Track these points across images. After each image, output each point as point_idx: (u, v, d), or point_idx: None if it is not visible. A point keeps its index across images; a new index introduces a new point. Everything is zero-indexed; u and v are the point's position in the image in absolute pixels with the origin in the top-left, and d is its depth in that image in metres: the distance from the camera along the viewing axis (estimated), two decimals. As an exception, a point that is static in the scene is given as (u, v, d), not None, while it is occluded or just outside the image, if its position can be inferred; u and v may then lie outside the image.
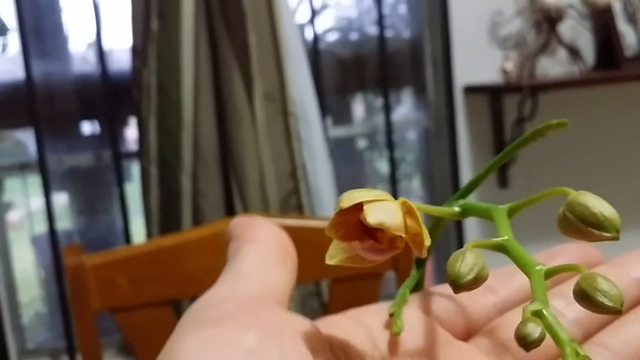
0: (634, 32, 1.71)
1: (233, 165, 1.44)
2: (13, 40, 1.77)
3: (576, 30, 1.74)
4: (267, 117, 1.43)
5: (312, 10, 1.72)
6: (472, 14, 1.74)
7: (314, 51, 1.71)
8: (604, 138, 1.86)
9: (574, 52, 1.72)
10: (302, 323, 0.22)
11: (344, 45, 1.96)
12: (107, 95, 1.63)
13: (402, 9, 1.98)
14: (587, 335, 0.25)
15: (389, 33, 1.89)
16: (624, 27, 1.70)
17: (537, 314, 0.18)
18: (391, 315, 0.24)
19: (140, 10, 1.42)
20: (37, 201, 1.73)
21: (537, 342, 0.18)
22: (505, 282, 0.27)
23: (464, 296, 0.27)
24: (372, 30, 1.90)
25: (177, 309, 0.91)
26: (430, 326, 0.26)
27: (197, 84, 1.42)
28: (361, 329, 0.24)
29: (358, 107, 2.05)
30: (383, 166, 1.97)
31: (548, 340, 0.27)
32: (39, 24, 1.72)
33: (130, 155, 1.73)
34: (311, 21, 1.73)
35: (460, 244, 1.77)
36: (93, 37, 1.67)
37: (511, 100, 1.69)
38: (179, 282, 0.82)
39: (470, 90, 1.76)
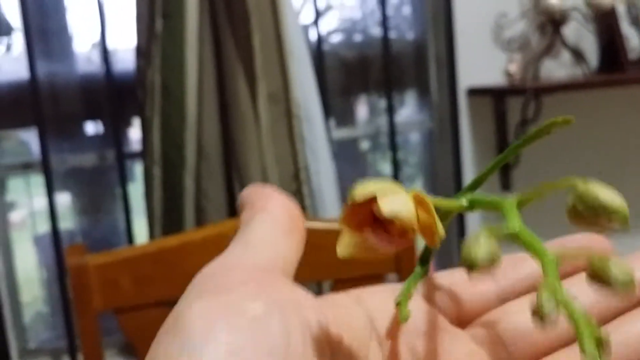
0: (637, 35, 1.71)
1: (236, 166, 1.44)
2: (17, 40, 1.77)
3: (580, 32, 1.74)
4: (270, 118, 1.43)
5: (316, 12, 1.72)
6: (476, 16, 1.74)
7: (318, 52, 1.71)
8: (608, 141, 1.85)
9: (577, 55, 1.71)
10: (305, 296, 0.22)
11: (347, 47, 1.96)
12: (111, 95, 1.63)
13: (406, 10, 1.98)
14: None
15: (392, 34, 1.89)
16: (628, 30, 1.70)
17: (552, 293, 0.18)
18: (398, 304, 0.24)
19: (145, 11, 1.42)
20: (39, 201, 1.73)
21: (552, 316, 0.18)
22: (508, 271, 0.28)
23: (464, 284, 0.27)
24: (376, 31, 1.90)
25: (179, 309, 0.91)
26: (428, 311, 0.26)
27: (201, 85, 1.42)
28: (361, 309, 0.25)
29: (361, 109, 2.05)
30: (386, 168, 1.97)
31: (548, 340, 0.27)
32: (43, 24, 1.72)
33: (133, 156, 1.73)
34: (315, 22, 1.73)
35: (461, 241, 1.76)
36: (97, 37, 1.68)
37: (515, 102, 1.69)
38: (181, 282, 0.81)
39: (474, 92, 1.76)
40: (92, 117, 1.83)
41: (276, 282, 0.22)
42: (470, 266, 0.19)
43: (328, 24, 1.94)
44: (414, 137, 2.01)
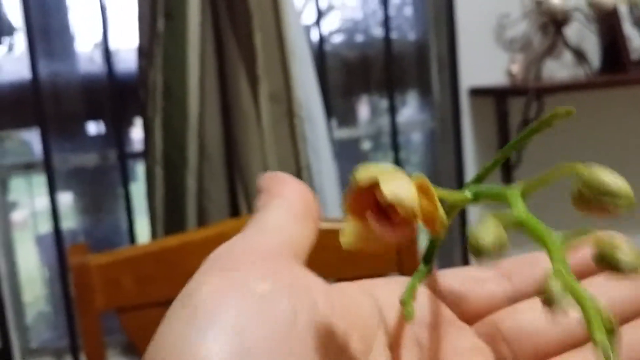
0: (640, 35, 1.71)
1: (238, 166, 1.44)
2: (19, 40, 1.78)
3: (582, 33, 1.74)
4: (272, 118, 1.44)
5: (318, 12, 1.72)
6: (478, 16, 1.74)
7: (320, 52, 1.71)
8: (610, 141, 1.85)
9: (579, 55, 1.71)
10: (315, 281, 0.23)
11: (349, 47, 1.96)
12: (113, 95, 1.64)
13: (408, 10, 1.98)
14: None
15: (394, 35, 1.89)
16: (630, 30, 1.70)
17: (558, 275, 0.18)
18: (402, 302, 0.24)
19: (147, 11, 1.42)
20: (41, 201, 1.73)
21: (559, 300, 0.17)
22: (522, 271, 0.28)
23: (475, 282, 0.27)
24: (378, 32, 1.90)
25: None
26: (436, 304, 0.26)
27: (202, 85, 1.43)
28: (370, 299, 0.25)
29: (363, 109, 2.05)
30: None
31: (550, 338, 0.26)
32: (45, 24, 1.73)
33: (135, 155, 1.73)
34: (317, 23, 1.73)
35: (463, 234, 1.76)
36: (99, 37, 1.68)
37: (517, 102, 1.69)
38: (183, 282, 0.82)
39: (476, 93, 1.76)
40: (94, 117, 1.84)
41: (287, 265, 0.22)
42: (478, 252, 0.19)
43: (330, 24, 1.94)
44: (416, 137, 2.01)
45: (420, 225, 0.22)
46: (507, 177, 1.74)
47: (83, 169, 1.78)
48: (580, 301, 0.18)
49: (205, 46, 1.43)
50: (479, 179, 0.25)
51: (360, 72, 1.94)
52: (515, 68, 1.70)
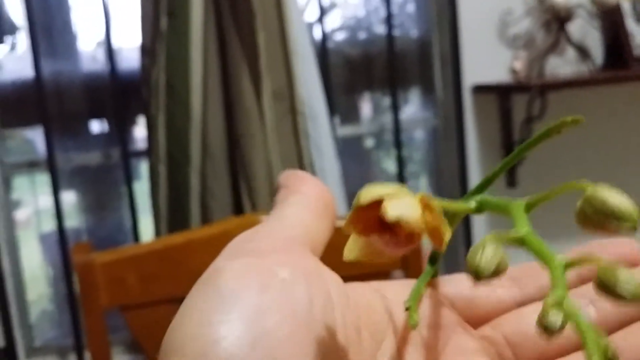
0: (643, 31, 1.70)
1: (241, 164, 1.44)
2: (22, 38, 1.78)
3: (585, 29, 1.73)
4: (275, 115, 1.44)
5: (320, 10, 1.72)
6: (481, 13, 1.74)
7: (322, 50, 1.71)
8: (613, 137, 1.85)
9: (583, 52, 1.71)
10: (329, 274, 0.23)
11: (352, 45, 1.96)
12: (116, 93, 1.64)
13: (410, 7, 1.97)
14: None
15: (397, 32, 1.89)
16: (632, 26, 1.69)
17: (558, 303, 0.18)
18: (407, 309, 0.24)
19: (150, 9, 1.42)
20: (45, 199, 1.73)
21: (559, 330, 0.18)
22: (533, 277, 0.28)
23: (485, 287, 0.27)
24: (380, 29, 1.90)
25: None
26: (443, 307, 0.27)
27: (205, 83, 1.43)
28: (381, 299, 0.26)
29: (366, 106, 2.05)
30: (391, 165, 1.97)
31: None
32: (48, 22, 1.73)
33: (138, 154, 1.74)
34: (320, 20, 1.73)
35: (467, 242, 1.77)
36: (102, 36, 1.68)
37: (520, 99, 1.68)
38: (187, 280, 0.82)
39: (479, 90, 1.76)
40: (97, 115, 1.84)
41: (304, 257, 0.23)
42: (476, 275, 0.19)
43: (332, 22, 1.94)
44: (419, 135, 2.01)
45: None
46: (511, 173, 1.74)
47: (86, 168, 1.78)
48: (580, 330, 0.18)
49: (208, 44, 1.43)
50: (486, 184, 0.25)
51: (362, 69, 1.93)
52: (518, 65, 1.70)
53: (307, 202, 0.25)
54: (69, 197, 1.81)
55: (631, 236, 0.20)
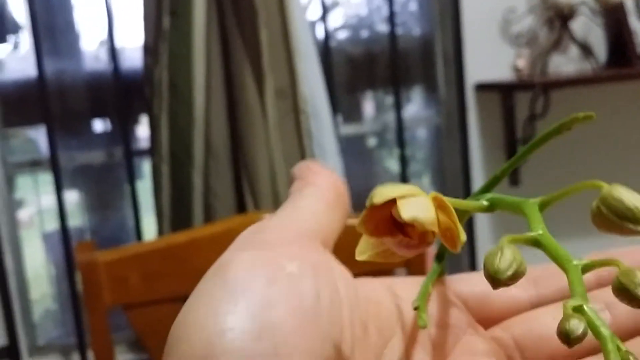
0: (646, 29, 1.70)
1: (244, 163, 1.44)
2: (25, 38, 1.78)
3: (588, 27, 1.73)
4: (278, 114, 1.43)
5: (323, 8, 1.72)
6: (483, 11, 1.74)
7: (325, 48, 1.70)
8: (617, 135, 1.85)
9: (586, 50, 1.71)
10: (338, 268, 0.23)
11: (354, 43, 1.96)
12: (119, 93, 1.64)
13: (413, 6, 1.97)
14: None
15: (399, 30, 1.89)
16: (636, 24, 1.69)
17: (578, 310, 0.18)
18: (416, 308, 0.24)
19: (152, 8, 1.42)
20: (48, 198, 1.73)
21: (580, 338, 0.17)
22: (550, 278, 0.28)
23: None
24: (383, 27, 1.90)
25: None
26: (454, 307, 0.27)
27: (208, 82, 1.42)
28: (391, 295, 0.26)
29: (368, 105, 2.05)
30: (393, 164, 1.97)
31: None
32: (50, 21, 1.73)
33: (141, 153, 1.74)
34: (322, 18, 1.73)
35: (470, 241, 1.76)
36: (105, 35, 1.68)
37: (523, 97, 1.68)
38: (190, 278, 0.82)
39: (482, 88, 1.75)
40: (100, 114, 1.84)
41: (314, 250, 0.23)
42: (494, 280, 0.19)
43: (334, 20, 1.94)
44: (422, 133, 2.01)
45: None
46: (514, 171, 1.73)
47: (89, 167, 1.78)
48: (600, 339, 0.18)
49: (210, 43, 1.43)
50: (495, 181, 0.25)
51: (365, 68, 1.93)
52: (521, 63, 1.69)
53: (320, 195, 0.25)
54: (71, 196, 1.82)
55: None
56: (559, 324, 0.18)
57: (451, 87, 1.81)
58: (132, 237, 1.69)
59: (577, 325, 0.17)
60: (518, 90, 1.71)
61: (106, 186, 1.84)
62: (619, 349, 0.17)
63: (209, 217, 1.44)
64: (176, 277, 0.80)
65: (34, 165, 1.74)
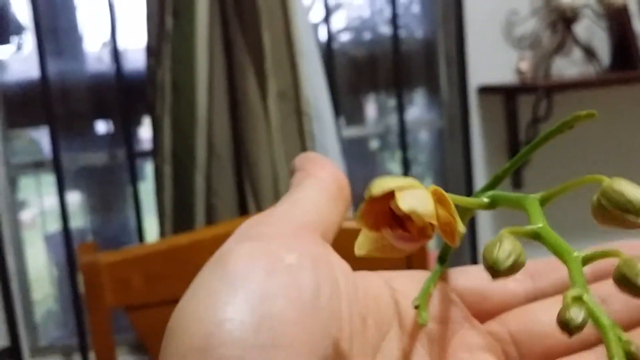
0: (650, 32, 1.70)
1: (247, 164, 1.44)
2: (28, 39, 1.78)
3: (592, 30, 1.73)
4: (280, 116, 1.43)
5: (326, 10, 1.71)
6: (487, 14, 1.74)
7: (328, 51, 1.70)
8: (620, 138, 1.84)
9: (589, 53, 1.70)
10: (338, 260, 0.23)
11: (357, 45, 1.96)
12: (121, 94, 1.64)
13: (416, 8, 1.97)
14: None
15: (402, 33, 1.89)
16: (640, 27, 1.69)
17: (578, 299, 0.18)
18: (416, 307, 0.24)
19: (155, 10, 1.42)
20: (50, 200, 1.73)
21: (581, 327, 0.17)
22: (549, 272, 0.28)
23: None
24: (385, 30, 1.90)
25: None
26: (451, 301, 0.27)
27: (211, 83, 1.43)
28: (389, 289, 0.26)
29: (371, 107, 2.04)
30: (396, 167, 1.96)
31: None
32: (53, 23, 1.73)
33: (144, 154, 1.74)
34: (325, 20, 1.73)
35: (473, 240, 1.76)
36: (108, 36, 1.68)
37: (526, 100, 1.68)
38: (192, 280, 0.81)
39: (485, 91, 1.75)
40: (103, 116, 1.84)
41: (313, 241, 0.23)
42: (493, 270, 0.18)
43: (337, 22, 1.94)
44: (424, 136, 2.01)
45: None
46: (517, 174, 1.73)
47: (92, 168, 1.78)
48: (600, 328, 0.17)
49: (213, 45, 1.43)
50: (498, 180, 0.25)
51: (368, 70, 1.93)
52: (525, 66, 1.69)
53: (322, 186, 0.25)
54: (74, 198, 1.82)
55: None
56: (559, 313, 0.17)
57: (454, 90, 1.81)
58: (134, 238, 1.69)
59: (577, 314, 0.17)
60: (521, 93, 1.70)
61: (108, 187, 1.84)
62: (619, 338, 0.17)
63: (211, 219, 1.43)
64: (178, 278, 0.80)
65: (36, 166, 1.74)
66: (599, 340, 0.24)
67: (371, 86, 1.97)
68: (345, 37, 1.96)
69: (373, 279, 0.26)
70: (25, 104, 1.73)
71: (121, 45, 1.64)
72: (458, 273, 0.28)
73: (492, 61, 1.75)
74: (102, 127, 1.86)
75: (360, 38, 1.98)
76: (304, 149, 1.45)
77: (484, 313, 0.27)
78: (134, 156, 1.64)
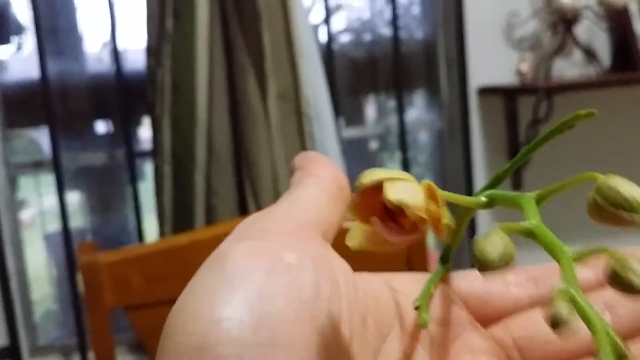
0: (650, 34, 1.70)
1: (246, 165, 1.44)
2: (28, 39, 1.78)
3: (592, 31, 1.73)
4: (280, 116, 1.43)
5: (326, 11, 1.71)
6: (487, 15, 1.73)
7: (328, 51, 1.70)
8: (621, 140, 1.84)
9: (590, 54, 1.70)
10: (338, 260, 0.23)
11: (357, 46, 1.96)
12: (121, 94, 1.64)
13: (416, 9, 1.97)
14: None
15: (402, 34, 1.89)
16: (640, 28, 1.69)
17: (566, 294, 0.17)
18: (417, 308, 0.24)
19: (155, 10, 1.42)
20: (50, 199, 1.73)
21: (567, 322, 0.16)
22: (552, 277, 0.27)
23: (500, 284, 0.27)
24: (385, 31, 1.90)
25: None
26: (454, 304, 0.26)
27: (211, 84, 1.42)
28: (390, 290, 0.25)
29: (371, 108, 2.04)
30: (395, 168, 1.96)
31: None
32: (54, 23, 1.73)
33: (143, 154, 1.74)
34: (325, 21, 1.73)
35: (472, 240, 1.76)
36: (108, 37, 1.68)
37: (526, 102, 1.68)
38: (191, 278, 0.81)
39: (485, 92, 1.75)
40: (102, 116, 1.84)
41: (313, 240, 0.23)
42: (482, 266, 0.18)
43: (337, 23, 1.94)
44: (424, 137, 2.01)
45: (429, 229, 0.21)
46: (517, 175, 1.73)
47: (91, 168, 1.78)
48: (589, 324, 0.17)
49: (213, 45, 1.43)
50: (498, 180, 0.25)
51: (368, 71, 1.93)
52: (525, 67, 1.69)
53: (322, 186, 0.25)
54: (73, 198, 1.82)
55: None
56: (546, 310, 0.17)
57: (454, 91, 1.81)
58: (134, 238, 1.69)
59: (562, 308, 0.17)
60: (521, 95, 1.70)
61: (108, 187, 1.84)
62: (608, 333, 0.17)
63: (210, 219, 1.43)
64: (178, 278, 0.80)
65: (36, 166, 1.74)
66: None
67: (371, 87, 1.97)
68: (345, 38, 1.96)
69: (373, 280, 0.25)
70: (25, 103, 1.73)
71: (121, 45, 1.64)
72: (460, 277, 0.28)
73: (492, 62, 1.74)
74: (101, 127, 1.86)
75: (360, 39, 1.98)
76: (303, 149, 1.45)
77: (486, 318, 0.27)
78: (133, 156, 1.64)
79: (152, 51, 1.44)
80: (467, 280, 0.28)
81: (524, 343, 0.26)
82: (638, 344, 0.25)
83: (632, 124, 1.85)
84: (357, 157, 1.93)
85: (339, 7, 1.93)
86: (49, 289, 1.87)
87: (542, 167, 1.70)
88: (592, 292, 0.26)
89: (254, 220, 0.23)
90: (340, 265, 0.23)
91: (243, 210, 1.45)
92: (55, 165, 1.58)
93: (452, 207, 0.22)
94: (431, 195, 0.20)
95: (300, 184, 0.25)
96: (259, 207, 1.43)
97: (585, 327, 0.17)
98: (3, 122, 1.70)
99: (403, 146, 1.78)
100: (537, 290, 0.27)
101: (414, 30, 1.96)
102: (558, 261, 0.19)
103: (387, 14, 1.83)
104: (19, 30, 1.79)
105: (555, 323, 0.17)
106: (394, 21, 1.76)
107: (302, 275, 0.20)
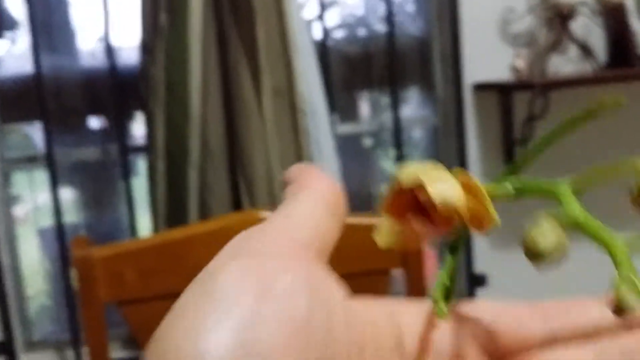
0: (646, 30, 1.70)
1: (240, 160, 1.44)
2: (22, 35, 1.77)
3: (588, 27, 1.73)
4: (275, 112, 1.43)
5: (320, 7, 1.71)
6: (482, 11, 1.73)
7: (322, 47, 1.70)
8: (616, 136, 1.84)
9: (585, 50, 1.70)
10: (335, 285, 0.22)
11: (351, 43, 1.95)
12: (115, 90, 1.63)
13: (410, 5, 1.97)
14: None
15: (396, 30, 1.88)
16: (636, 24, 1.69)
17: (628, 281, 0.17)
18: (433, 300, 0.23)
19: (149, 6, 1.42)
20: (43, 195, 1.73)
21: (633, 308, 0.16)
22: (564, 315, 0.26)
23: (511, 318, 0.26)
24: (380, 27, 1.90)
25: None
26: (460, 337, 0.25)
27: (205, 79, 1.42)
28: (390, 319, 0.24)
29: (365, 105, 2.04)
30: (389, 164, 1.96)
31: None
32: (48, 19, 1.72)
33: (137, 150, 1.73)
34: (319, 17, 1.72)
35: (469, 241, 1.76)
36: (102, 33, 1.67)
37: (521, 98, 1.68)
38: (186, 275, 0.81)
39: (480, 88, 1.75)
40: (96, 111, 1.83)
41: (309, 260, 0.22)
42: (535, 257, 0.17)
43: (331, 19, 1.94)
44: (419, 133, 2.01)
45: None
46: (514, 172, 1.73)
47: (85, 163, 1.77)
48: None
49: (207, 41, 1.42)
50: (515, 170, 0.24)
51: (362, 67, 1.93)
52: (520, 63, 1.69)
53: (317, 199, 0.24)
54: (67, 193, 1.81)
55: None
56: (612, 302, 0.16)
57: (449, 87, 1.80)
58: (127, 234, 1.68)
59: (627, 294, 0.16)
60: (517, 91, 1.70)
61: (102, 183, 1.83)
62: None
63: (204, 214, 1.43)
64: (171, 273, 0.80)
65: (30, 161, 1.74)
66: None
67: (365, 83, 1.97)
68: (339, 34, 1.96)
69: (373, 307, 0.24)
70: (19, 99, 1.72)
71: (115, 41, 1.63)
72: (468, 308, 0.26)
73: (487, 58, 1.74)
74: (95, 122, 1.86)
75: (355, 35, 1.98)
76: (298, 145, 1.44)
77: (497, 353, 0.26)
78: (127, 152, 1.63)
79: (146, 47, 1.44)
80: (476, 312, 0.26)
81: None
82: None
83: (628, 120, 1.85)
84: (351, 153, 1.93)
85: (333, 3, 1.93)
86: (43, 284, 1.87)
87: (541, 164, 1.70)
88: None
89: (246, 236, 0.22)
90: (337, 289, 0.22)
91: (237, 206, 1.45)
92: (49, 161, 1.58)
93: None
94: (470, 189, 0.20)
95: (294, 197, 0.24)
96: (252, 203, 1.42)
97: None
98: (-4, 117, 1.70)
99: (398, 142, 1.78)
100: (548, 327, 0.26)
101: (409, 27, 1.95)
102: (610, 252, 0.18)
103: (382, 10, 1.82)
104: (13, 25, 1.78)
105: (621, 310, 0.16)
106: (389, 17, 1.76)
107: (295, 300, 0.19)
